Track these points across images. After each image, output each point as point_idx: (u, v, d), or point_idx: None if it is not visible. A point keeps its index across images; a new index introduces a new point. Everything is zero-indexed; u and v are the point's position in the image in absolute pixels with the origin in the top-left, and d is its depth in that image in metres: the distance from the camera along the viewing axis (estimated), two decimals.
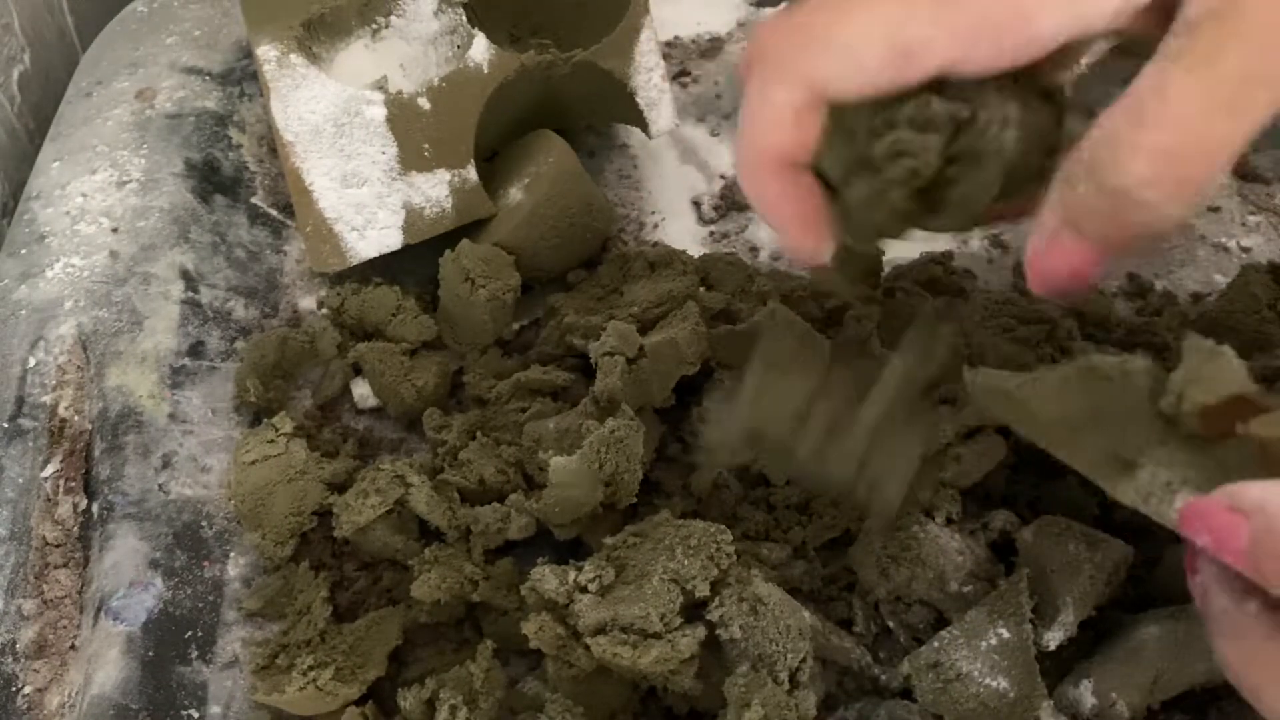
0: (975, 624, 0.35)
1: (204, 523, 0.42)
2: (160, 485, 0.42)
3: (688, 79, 0.58)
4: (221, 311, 0.47)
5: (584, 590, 0.36)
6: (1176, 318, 0.46)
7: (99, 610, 0.39)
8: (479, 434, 0.43)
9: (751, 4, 0.60)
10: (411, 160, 0.47)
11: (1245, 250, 0.51)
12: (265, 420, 0.43)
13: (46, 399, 0.43)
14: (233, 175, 0.51)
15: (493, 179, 0.49)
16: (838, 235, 0.32)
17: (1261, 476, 0.26)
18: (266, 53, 0.47)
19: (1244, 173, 0.53)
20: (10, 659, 0.38)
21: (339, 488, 0.41)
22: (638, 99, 0.49)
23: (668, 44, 0.59)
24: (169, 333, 0.45)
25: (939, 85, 0.29)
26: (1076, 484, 0.38)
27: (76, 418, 0.43)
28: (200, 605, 0.40)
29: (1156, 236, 0.28)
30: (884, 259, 0.47)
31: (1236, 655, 0.26)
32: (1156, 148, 0.26)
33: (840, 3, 0.29)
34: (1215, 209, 0.52)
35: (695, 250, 0.50)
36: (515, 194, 0.47)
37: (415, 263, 0.48)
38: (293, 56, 0.47)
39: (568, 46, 0.48)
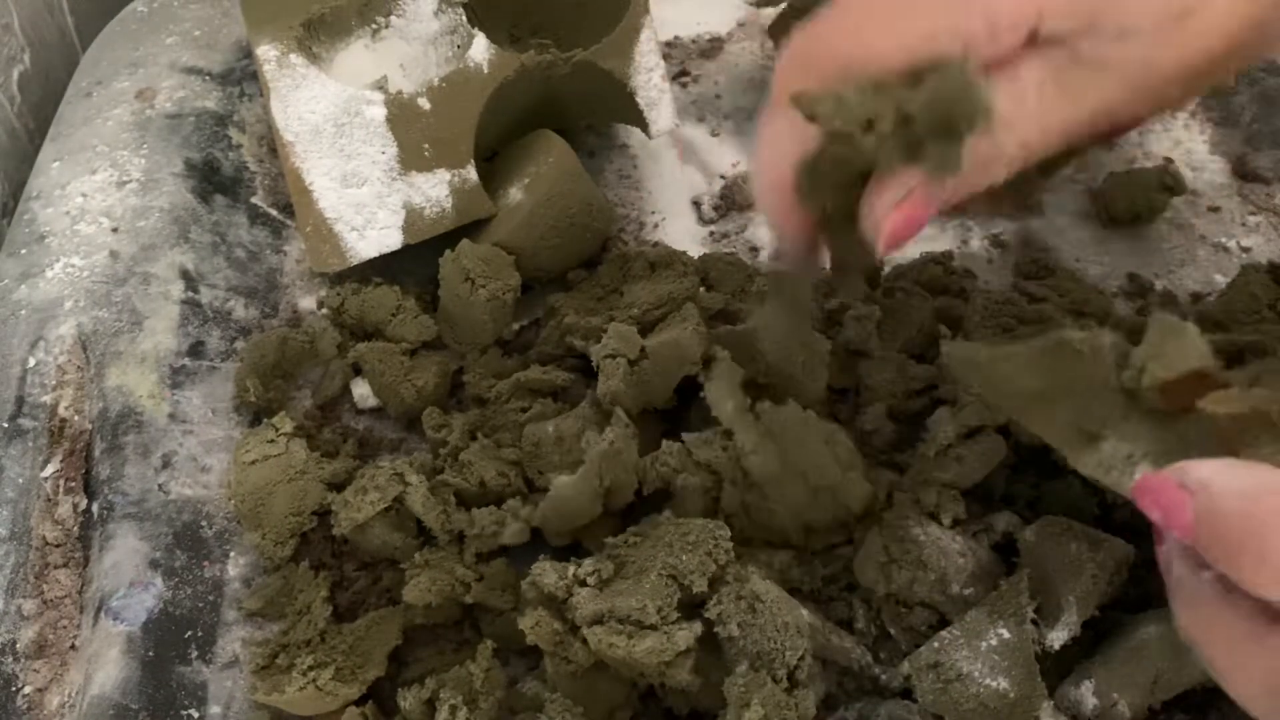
0: (976, 624, 0.35)
1: (204, 523, 0.42)
2: (160, 485, 0.42)
3: (688, 79, 0.58)
4: (221, 311, 0.47)
5: (583, 584, 0.36)
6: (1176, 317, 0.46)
7: (99, 610, 0.39)
8: (479, 434, 0.43)
9: (751, 4, 0.60)
10: (411, 160, 0.47)
11: (1245, 250, 0.51)
12: (265, 420, 0.43)
13: (46, 399, 0.43)
14: (233, 175, 0.51)
15: (493, 179, 0.49)
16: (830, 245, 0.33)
17: (1217, 453, 0.27)
18: (266, 53, 0.47)
19: (1244, 173, 0.53)
20: (10, 659, 0.38)
21: (339, 488, 0.41)
22: (638, 99, 0.49)
23: (668, 44, 0.59)
24: (169, 333, 0.45)
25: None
26: (1077, 484, 0.38)
27: (76, 418, 0.43)
28: (200, 605, 0.40)
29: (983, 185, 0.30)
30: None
31: (1191, 621, 0.27)
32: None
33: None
34: (1215, 209, 0.52)
35: (695, 250, 0.50)
36: (515, 194, 0.47)
37: (415, 263, 0.48)
38: (293, 56, 0.47)
39: (568, 46, 0.48)
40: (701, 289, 0.45)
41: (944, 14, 0.28)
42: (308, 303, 0.49)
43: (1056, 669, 0.36)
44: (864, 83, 0.28)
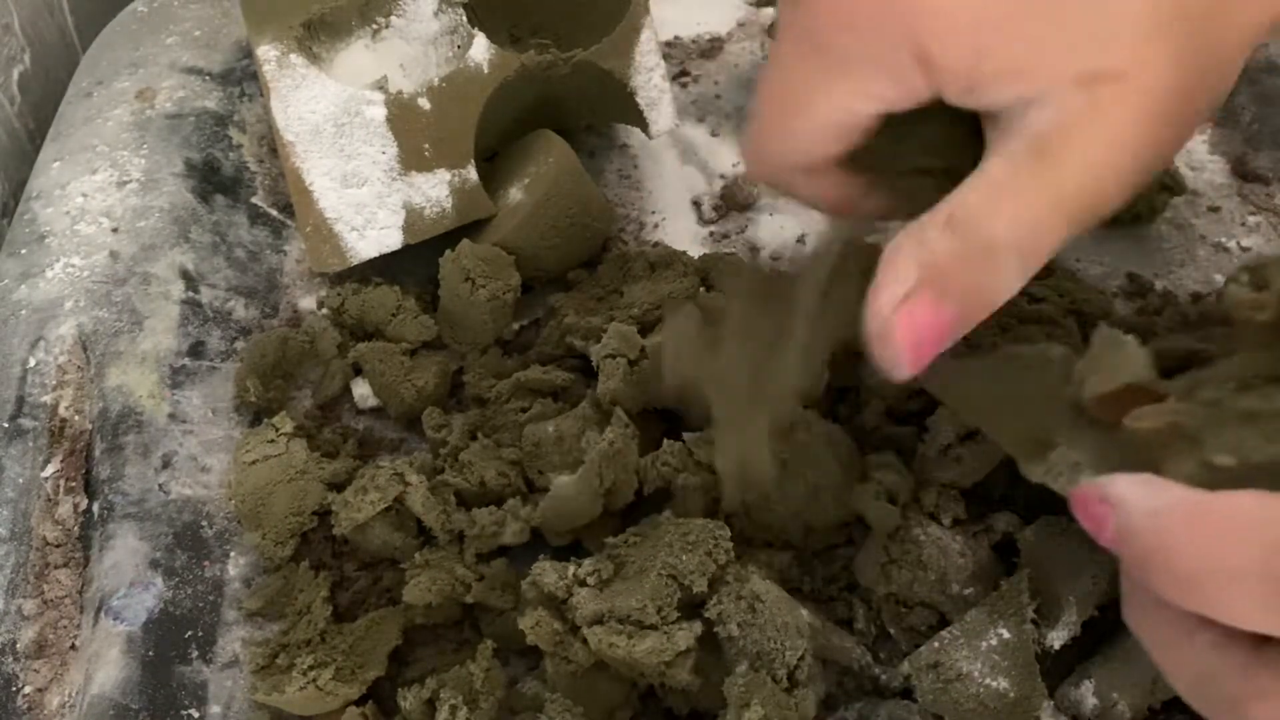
0: (976, 624, 0.35)
1: (204, 523, 0.42)
2: (160, 485, 0.42)
3: (688, 79, 0.58)
4: (221, 311, 0.47)
5: (583, 584, 0.36)
6: (1176, 318, 0.46)
7: (99, 610, 0.39)
8: (479, 434, 0.43)
9: (751, 4, 0.60)
10: (411, 160, 0.47)
11: (1245, 250, 0.50)
12: (265, 420, 0.43)
13: (46, 399, 0.43)
14: (233, 175, 0.51)
15: (493, 179, 0.49)
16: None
17: (1145, 466, 0.28)
18: (266, 53, 0.47)
19: (1244, 173, 0.53)
20: (10, 659, 0.38)
21: (339, 488, 0.41)
22: (638, 99, 0.49)
23: (668, 44, 0.59)
24: (169, 333, 0.45)
25: None
26: None
27: (76, 418, 0.43)
28: (200, 605, 0.40)
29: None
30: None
31: (1135, 619, 0.28)
32: (1024, 215, 0.28)
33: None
34: (1215, 209, 0.52)
35: (695, 250, 0.50)
36: (515, 194, 0.47)
37: (415, 263, 0.48)
38: (293, 56, 0.47)
39: (568, 46, 0.48)
40: (702, 289, 0.45)
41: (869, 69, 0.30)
42: (308, 303, 0.49)
43: (1057, 669, 0.36)
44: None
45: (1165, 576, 0.25)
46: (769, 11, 0.58)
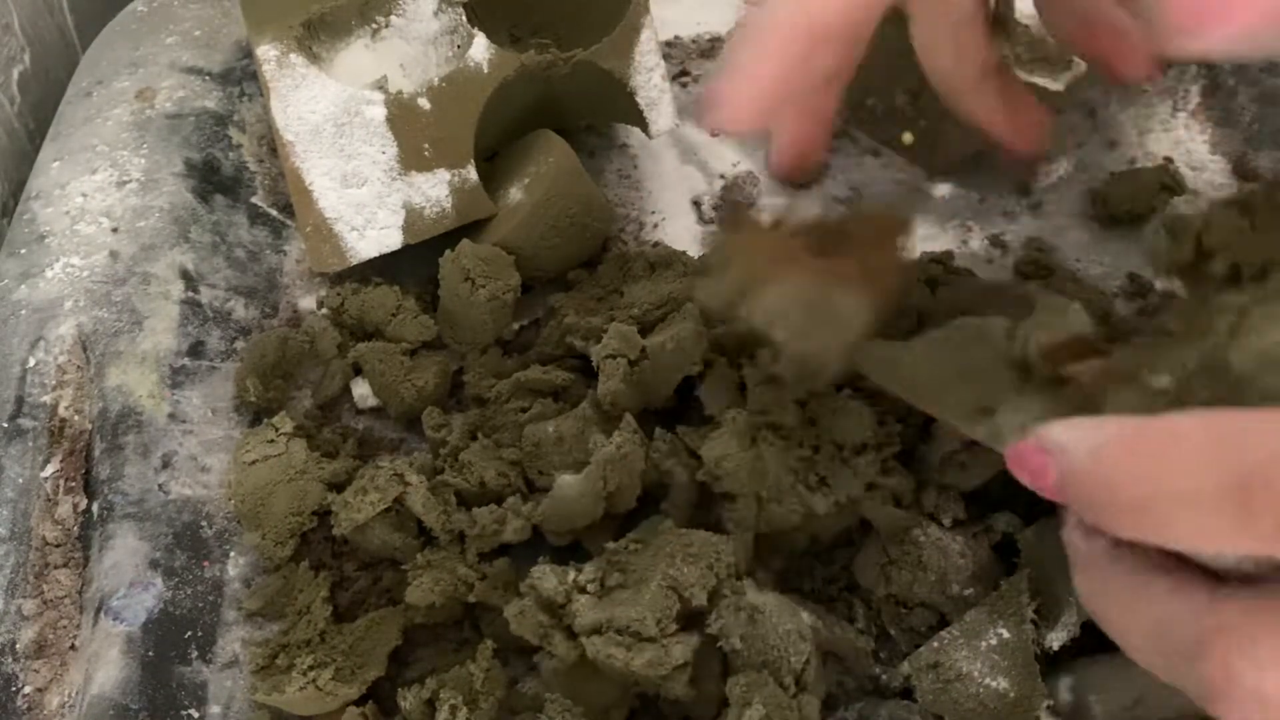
0: (975, 624, 0.35)
1: (204, 523, 0.42)
2: (160, 485, 0.42)
3: (688, 79, 0.58)
4: (221, 311, 0.47)
5: (583, 591, 0.36)
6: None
7: (99, 610, 0.39)
8: (479, 434, 0.43)
9: (751, 4, 0.60)
10: (411, 160, 0.47)
11: None
12: (265, 420, 0.43)
13: (46, 399, 0.43)
14: (233, 175, 0.51)
15: (493, 179, 0.49)
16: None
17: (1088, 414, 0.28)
18: (266, 53, 0.47)
19: (1244, 173, 0.53)
20: (10, 659, 0.39)
21: (339, 488, 0.41)
22: (638, 99, 0.49)
23: (668, 44, 0.59)
24: (169, 333, 0.45)
25: None
26: None
27: (76, 418, 0.43)
28: (200, 605, 0.40)
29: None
30: None
31: (1088, 588, 0.28)
32: None
33: None
34: None
35: (695, 250, 0.50)
36: (515, 194, 0.47)
37: (415, 263, 0.48)
38: (293, 56, 0.47)
39: (568, 46, 0.48)
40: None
41: None
42: (308, 303, 0.49)
43: (1056, 669, 0.36)
44: None
45: (1114, 511, 0.25)
46: None
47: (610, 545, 0.37)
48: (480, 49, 0.48)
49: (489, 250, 0.45)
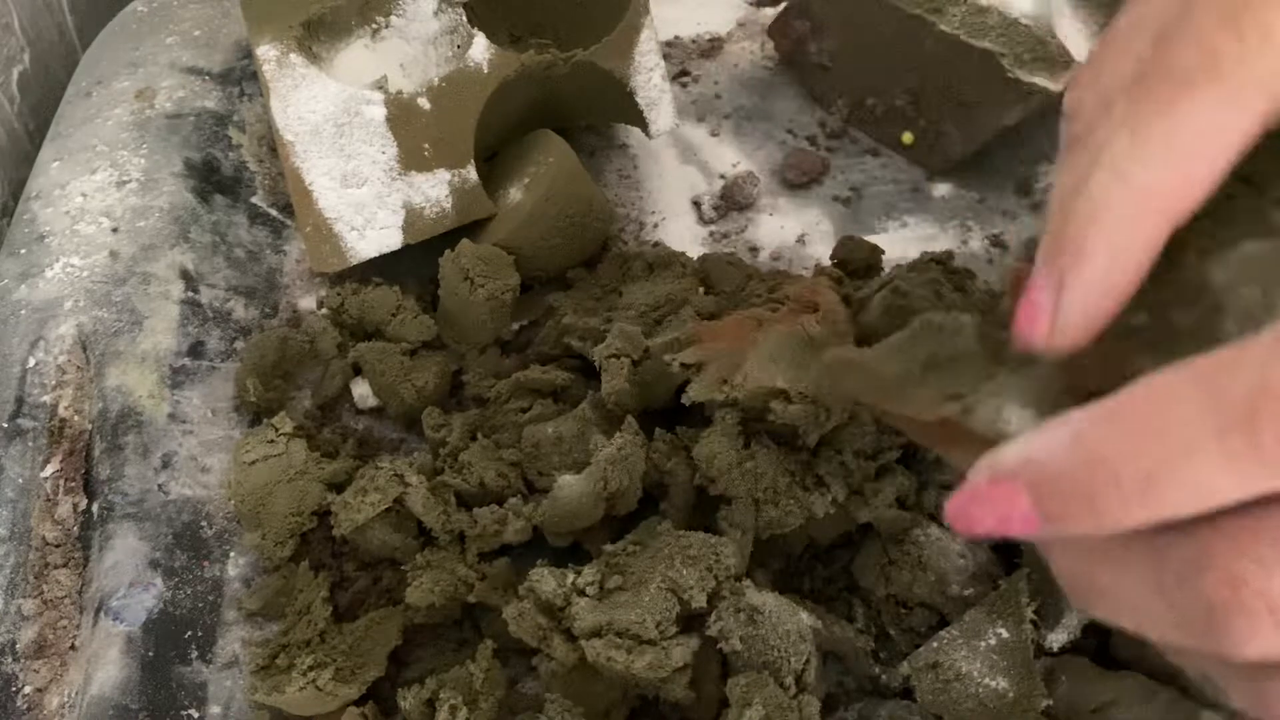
0: (974, 624, 0.35)
1: (204, 523, 0.42)
2: (160, 485, 0.42)
3: (688, 79, 0.58)
4: (221, 311, 0.47)
5: (582, 593, 0.36)
6: None
7: (99, 610, 0.39)
8: (479, 435, 0.43)
9: (751, 4, 0.60)
10: (411, 160, 0.47)
11: None
12: (265, 420, 0.43)
13: (46, 399, 0.43)
14: (233, 175, 0.51)
15: (493, 179, 0.49)
16: None
17: (1068, 390, 0.26)
18: (266, 53, 0.47)
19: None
20: (10, 659, 0.38)
21: (339, 488, 0.41)
22: (638, 99, 0.49)
23: (668, 44, 0.59)
24: (169, 333, 0.45)
25: None
26: None
27: (76, 418, 0.43)
28: (200, 605, 0.40)
29: None
30: (884, 258, 0.47)
31: (1067, 562, 0.24)
32: None
33: None
34: None
35: (695, 250, 0.50)
36: (515, 194, 0.47)
37: (415, 263, 0.48)
38: (293, 56, 0.47)
39: (568, 46, 0.48)
40: (701, 290, 0.45)
41: None
42: (308, 303, 0.49)
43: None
44: None
45: (1119, 497, 0.21)
46: (769, 11, 0.58)
47: (609, 547, 0.37)
48: (480, 49, 0.48)
49: (489, 250, 0.45)
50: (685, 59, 0.59)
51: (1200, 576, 0.21)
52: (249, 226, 0.50)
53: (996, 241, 0.51)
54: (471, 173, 0.47)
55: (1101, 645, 0.36)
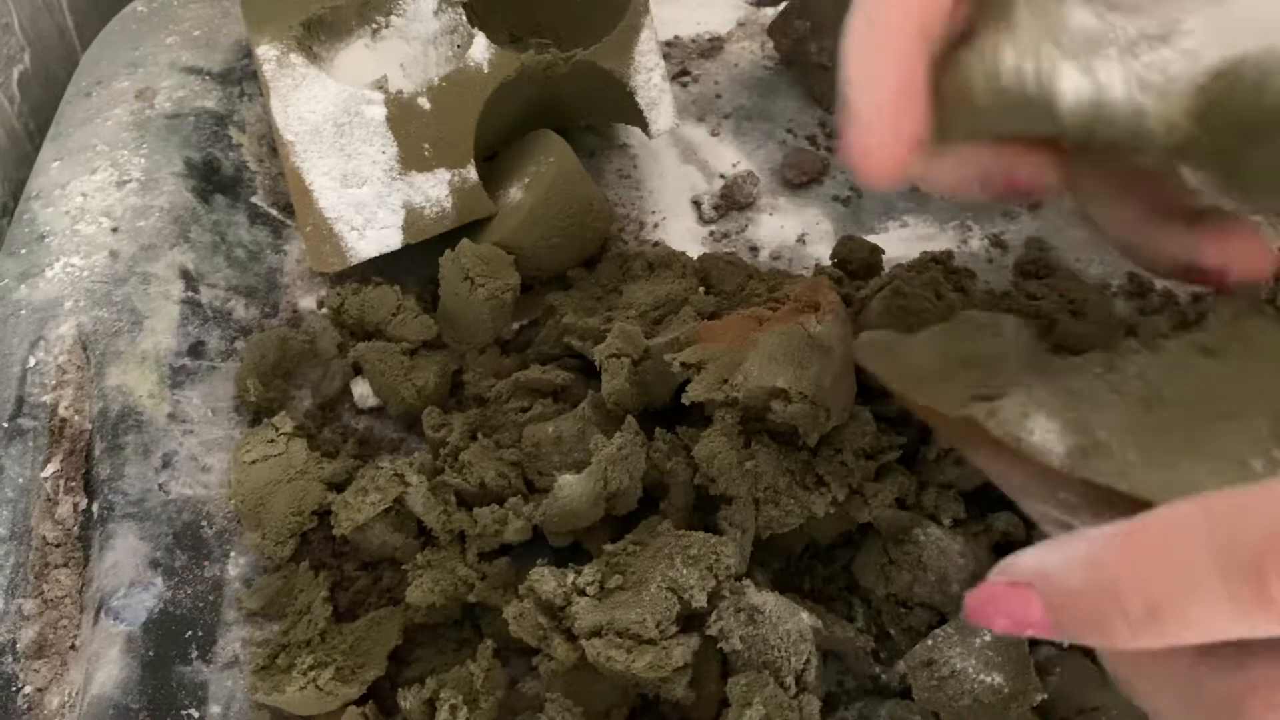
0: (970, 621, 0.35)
1: (204, 523, 0.42)
2: (160, 485, 0.42)
3: (688, 79, 0.58)
4: (221, 311, 0.47)
5: (582, 593, 0.36)
6: (1176, 317, 0.46)
7: (99, 610, 0.39)
8: (479, 434, 0.43)
9: (751, 4, 0.60)
10: (411, 160, 0.47)
11: None
12: (265, 420, 0.43)
13: (46, 399, 0.43)
14: (233, 175, 0.51)
15: (493, 179, 0.49)
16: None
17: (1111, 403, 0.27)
18: (266, 52, 0.47)
19: None
20: (10, 659, 0.39)
21: (339, 487, 0.41)
22: (638, 99, 0.49)
23: (668, 44, 0.59)
24: (169, 333, 0.45)
25: None
26: None
27: (76, 418, 0.43)
28: (200, 605, 0.40)
29: None
30: (884, 257, 0.47)
31: (1118, 669, 0.26)
32: None
33: None
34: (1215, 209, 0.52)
35: (695, 250, 0.50)
36: (515, 194, 0.47)
37: (415, 263, 0.48)
38: (293, 56, 0.47)
39: (568, 46, 0.48)
40: (701, 290, 0.45)
41: None
42: (308, 303, 0.49)
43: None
44: None
45: (1126, 624, 0.23)
46: (769, 11, 0.58)
47: (609, 547, 0.37)
48: (480, 49, 0.48)
49: (489, 250, 0.45)
50: (685, 59, 0.59)
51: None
52: (249, 226, 0.50)
53: (996, 241, 0.51)
54: (471, 172, 0.47)
55: None
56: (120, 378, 0.44)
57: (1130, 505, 0.25)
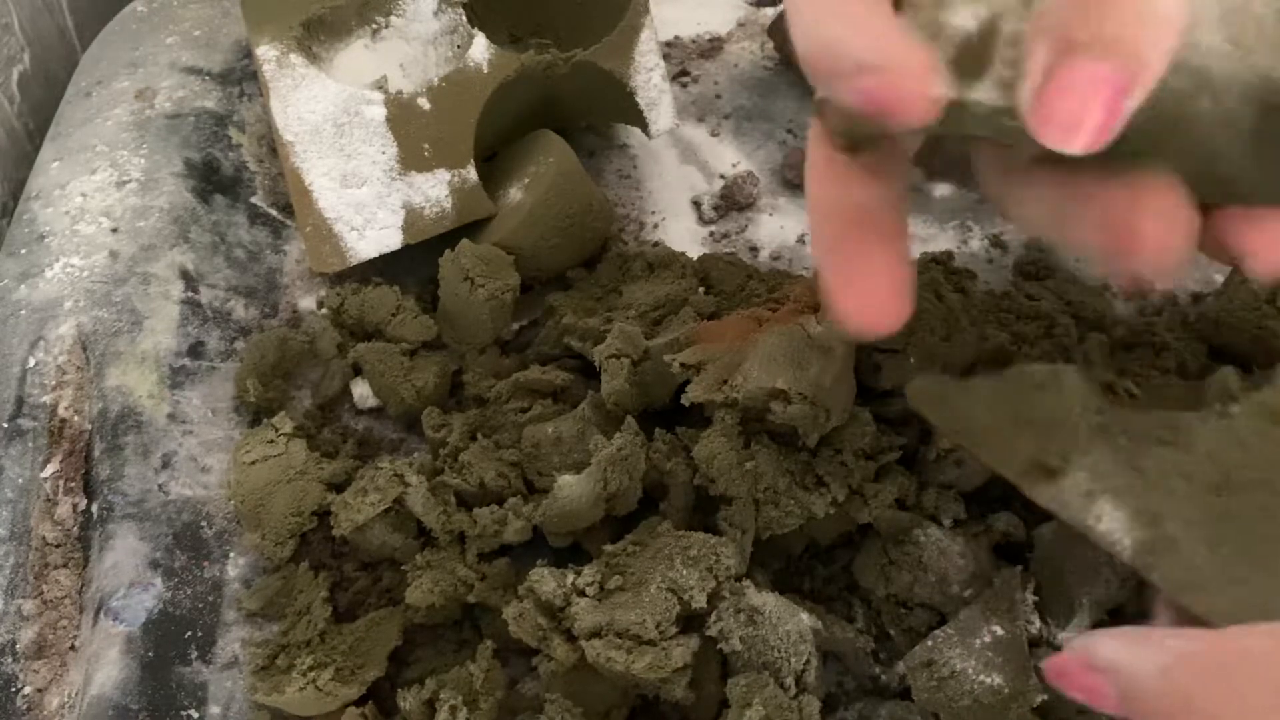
0: (969, 622, 0.35)
1: (204, 523, 0.42)
2: (160, 485, 0.42)
3: (688, 79, 0.58)
4: (221, 311, 0.47)
5: (582, 594, 0.36)
6: (1177, 317, 0.46)
7: (99, 610, 0.39)
8: (479, 435, 0.43)
9: (751, 4, 0.60)
10: (411, 160, 0.47)
11: None
12: (265, 420, 0.43)
13: (46, 399, 0.43)
14: (233, 175, 0.51)
15: (493, 179, 0.49)
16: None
17: (1184, 492, 0.27)
18: (266, 53, 0.47)
19: None
20: (10, 659, 0.39)
21: (339, 488, 0.41)
22: (638, 99, 0.49)
23: (668, 44, 0.59)
24: (169, 333, 0.45)
25: None
26: None
27: (76, 418, 0.43)
28: (200, 605, 0.40)
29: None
30: None
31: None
32: None
33: None
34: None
35: (695, 250, 0.50)
36: (515, 194, 0.47)
37: (415, 263, 0.48)
38: (293, 56, 0.47)
39: (568, 46, 0.48)
40: (701, 290, 0.45)
41: None
42: (308, 303, 0.49)
43: None
44: None
45: None
46: (769, 11, 0.58)
47: (609, 548, 0.37)
48: (480, 49, 0.48)
49: (488, 250, 0.45)
50: (685, 59, 0.59)
51: None
52: (249, 226, 0.50)
53: (996, 241, 0.51)
54: (471, 173, 0.47)
55: None
56: (120, 378, 0.44)
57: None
